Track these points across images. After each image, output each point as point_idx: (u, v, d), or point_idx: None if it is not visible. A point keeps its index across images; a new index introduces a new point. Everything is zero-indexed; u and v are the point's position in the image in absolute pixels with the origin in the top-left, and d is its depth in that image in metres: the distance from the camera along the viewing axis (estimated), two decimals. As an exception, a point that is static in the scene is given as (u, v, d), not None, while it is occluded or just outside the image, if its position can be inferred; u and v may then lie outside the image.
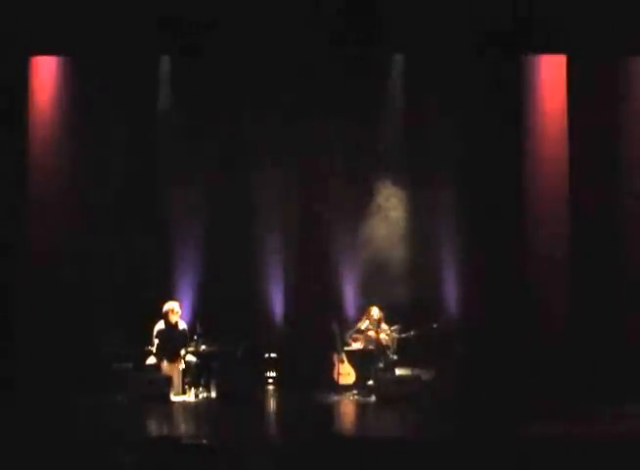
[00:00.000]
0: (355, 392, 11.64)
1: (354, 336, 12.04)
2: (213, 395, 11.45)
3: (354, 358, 11.97)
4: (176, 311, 11.53)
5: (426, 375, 11.66)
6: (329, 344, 12.04)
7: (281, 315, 12.81)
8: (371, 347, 11.88)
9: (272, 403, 11.58)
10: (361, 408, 11.14)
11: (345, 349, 12.01)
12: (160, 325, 11.50)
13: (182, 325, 11.56)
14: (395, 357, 11.83)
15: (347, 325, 12.24)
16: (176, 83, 12.68)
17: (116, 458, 7.68)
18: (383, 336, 11.87)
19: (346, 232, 12.83)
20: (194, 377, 11.40)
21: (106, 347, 11.81)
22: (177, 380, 11.31)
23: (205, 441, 8.64)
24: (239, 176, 12.76)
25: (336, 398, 11.54)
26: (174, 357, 11.39)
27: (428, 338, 11.80)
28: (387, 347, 11.84)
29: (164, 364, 11.36)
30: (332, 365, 11.98)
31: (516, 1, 11.37)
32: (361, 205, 12.89)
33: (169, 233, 12.71)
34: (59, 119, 12.01)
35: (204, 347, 11.55)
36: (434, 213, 12.76)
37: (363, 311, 12.15)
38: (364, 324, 11.98)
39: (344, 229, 12.82)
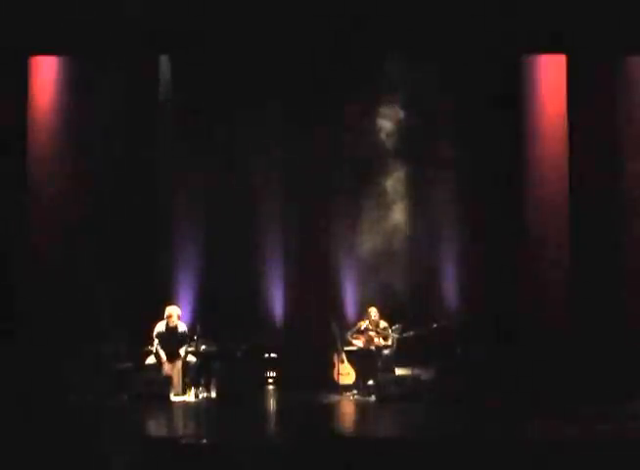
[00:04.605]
0: (355, 392, 11.64)
1: (355, 336, 12.04)
2: (213, 395, 11.45)
3: (354, 358, 11.98)
4: (177, 316, 11.54)
5: (426, 375, 11.66)
6: (329, 344, 12.04)
7: (281, 315, 12.82)
8: (371, 347, 11.90)
9: (272, 403, 11.59)
10: (361, 408, 11.14)
11: (345, 349, 12.01)
12: (160, 326, 11.51)
13: (182, 327, 11.56)
14: (389, 354, 11.81)
15: (347, 325, 12.25)
16: (176, 83, 12.69)
17: (116, 458, 7.68)
18: (376, 340, 11.87)
19: (346, 232, 12.84)
20: (194, 377, 11.41)
21: (106, 347, 11.79)
22: (177, 380, 11.31)
23: (204, 441, 8.64)
24: (239, 177, 12.77)
25: (336, 398, 11.55)
26: (174, 358, 11.40)
27: (428, 338, 11.80)
28: (383, 348, 11.84)
29: (164, 364, 11.36)
30: (332, 365, 11.99)
31: (515, 2, 11.37)
32: (361, 204, 12.88)
33: (169, 232, 12.73)
34: (59, 119, 11.99)
35: (204, 347, 11.57)
36: (435, 214, 12.77)
37: (363, 311, 12.16)
38: (364, 324, 11.98)
39: (344, 229, 12.83)
